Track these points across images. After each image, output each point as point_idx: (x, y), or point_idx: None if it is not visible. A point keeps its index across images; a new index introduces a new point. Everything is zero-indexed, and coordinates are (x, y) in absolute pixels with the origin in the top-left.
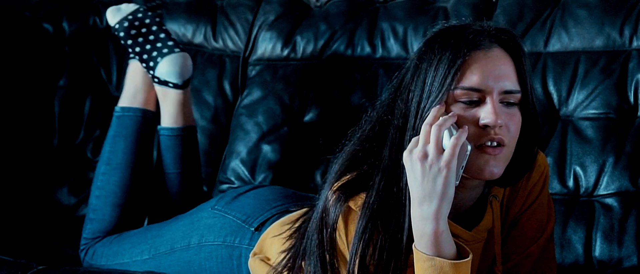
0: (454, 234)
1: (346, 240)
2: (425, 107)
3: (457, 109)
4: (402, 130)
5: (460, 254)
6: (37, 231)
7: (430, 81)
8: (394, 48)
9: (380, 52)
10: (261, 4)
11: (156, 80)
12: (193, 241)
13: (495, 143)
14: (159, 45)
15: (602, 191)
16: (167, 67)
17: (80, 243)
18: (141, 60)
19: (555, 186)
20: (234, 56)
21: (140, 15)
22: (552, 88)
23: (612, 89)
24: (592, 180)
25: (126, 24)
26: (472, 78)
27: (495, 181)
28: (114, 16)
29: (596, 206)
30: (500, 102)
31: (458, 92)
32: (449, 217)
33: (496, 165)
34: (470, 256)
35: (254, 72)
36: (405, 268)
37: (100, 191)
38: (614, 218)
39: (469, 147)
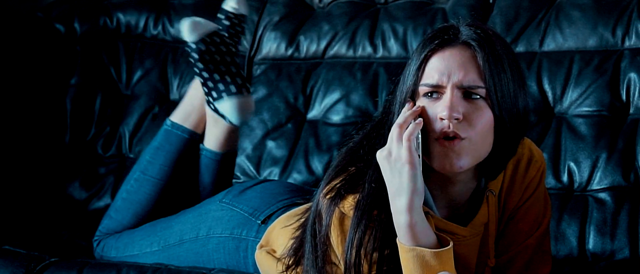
0: (451, 232)
1: (340, 237)
2: (399, 102)
3: (423, 104)
4: (384, 125)
5: (442, 244)
6: (50, 224)
7: (404, 79)
8: (394, 48)
9: (381, 51)
10: (266, 5)
11: (212, 107)
12: (201, 233)
13: (451, 136)
14: (228, 79)
15: (595, 186)
16: (229, 107)
17: (95, 233)
18: (204, 86)
19: (550, 181)
20: (240, 55)
21: (218, 39)
22: (547, 87)
23: (604, 87)
24: (585, 175)
25: (203, 48)
26: (429, 75)
27: (482, 174)
28: (191, 32)
29: (590, 200)
30: (464, 97)
31: (421, 88)
32: (444, 213)
33: (457, 158)
34: (451, 245)
35: (259, 71)
36: (398, 259)
37: (128, 195)
38: (606, 212)
39: (419, 139)
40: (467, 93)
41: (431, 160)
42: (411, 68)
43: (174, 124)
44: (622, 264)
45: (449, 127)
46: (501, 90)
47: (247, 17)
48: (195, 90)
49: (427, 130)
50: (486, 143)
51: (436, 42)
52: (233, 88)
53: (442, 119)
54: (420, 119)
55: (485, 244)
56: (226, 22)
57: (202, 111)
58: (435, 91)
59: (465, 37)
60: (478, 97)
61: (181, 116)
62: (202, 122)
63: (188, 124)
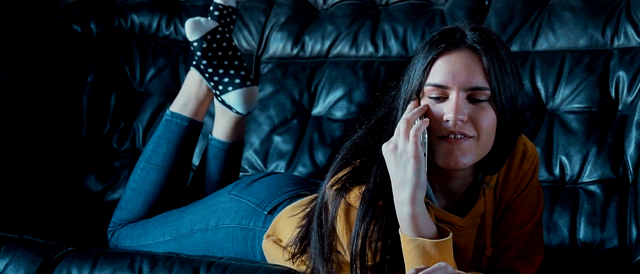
0: (449, 223)
1: (346, 228)
2: (404, 100)
3: (428, 104)
4: (387, 121)
5: (442, 235)
6: (67, 215)
7: (409, 77)
8: (395, 47)
9: (382, 51)
10: (273, 6)
11: (220, 100)
12: (211, 224)
13: (459, 136)
14: (232, 72)
15: (585, 179)
16: (236, 98)
17: (108, 225)
18: (210, 80)
19: (542, 174)
20: (248, 55)
21: (219, 36)
22: (539, 84)
23: (595, 85)
24: (576, 168)
25: (205, 45)
26: (435, 76)
27: (481, 169)
28: (193, 31)
29: (580, 192)
30: (469, 98)
31: (427, 88)
32: (443, 204)
33: (462, 155)
34: (450, 235)
35: (266, 70)
36: (400, 248)
37: (136, 185)
38: (596, 204)
39: (425, 137)
40: (472, 95)
41: (435, 157)
42: (417, 68)
43: (173, 114)
44: (611, 253)
45: (454, 127)
46: (505, 92)
47: (236, 9)
48: (190, 80)
49: (430, 128)
50: (490, 141)
51: (443, 45)
52: (237, 80)
53: (447, 121)
54: (427, 118)
55: (482, 235)
56: (216, 13)
57: (199, 99)
58: (441, 92)
59: (470, 41)
60: (483, 98)
61: (179, 105)
62: (200, 109)
63: (186, 112)
